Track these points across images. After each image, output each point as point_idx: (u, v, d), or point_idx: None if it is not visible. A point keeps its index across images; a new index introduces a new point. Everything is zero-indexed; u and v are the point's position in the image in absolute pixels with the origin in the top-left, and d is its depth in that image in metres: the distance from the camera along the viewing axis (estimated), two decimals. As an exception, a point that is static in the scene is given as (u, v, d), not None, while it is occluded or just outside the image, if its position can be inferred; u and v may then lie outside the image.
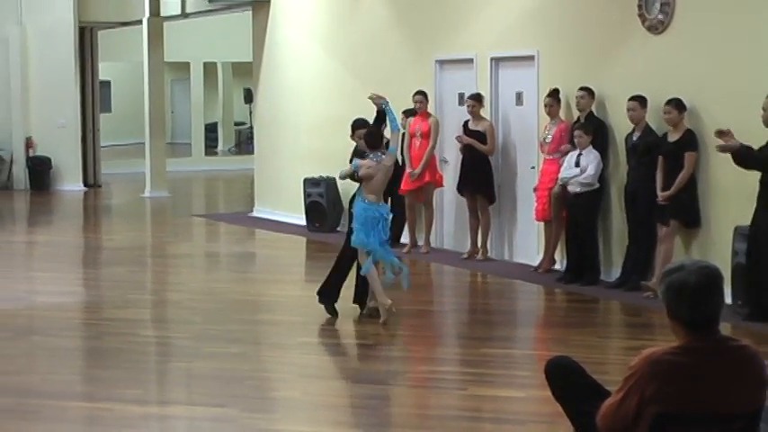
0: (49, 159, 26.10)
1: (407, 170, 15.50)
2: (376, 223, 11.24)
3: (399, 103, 15.77)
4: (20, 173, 26.18)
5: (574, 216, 13.07)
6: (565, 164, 13.12)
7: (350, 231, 11.47)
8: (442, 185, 15.66)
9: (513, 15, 14.56)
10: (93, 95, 27.78)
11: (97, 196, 25.95)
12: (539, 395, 7.58)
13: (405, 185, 15.54)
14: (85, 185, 26.71)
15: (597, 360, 9.09)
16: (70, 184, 26.15)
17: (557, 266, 13.64)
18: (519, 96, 14.60)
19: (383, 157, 11.25)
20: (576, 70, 13.51)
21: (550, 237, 13.64)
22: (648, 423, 4.94)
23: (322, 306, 11.56)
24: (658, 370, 4.90)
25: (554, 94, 13.55)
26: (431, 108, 15.66)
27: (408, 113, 15.70)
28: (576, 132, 12.99)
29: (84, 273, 15.62)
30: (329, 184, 17.70)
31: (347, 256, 11.62)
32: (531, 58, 14.19)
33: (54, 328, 11.16)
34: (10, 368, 9.48)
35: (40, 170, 26.06)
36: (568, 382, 5.50)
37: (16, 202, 24.54)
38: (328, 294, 11.57)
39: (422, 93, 15.49)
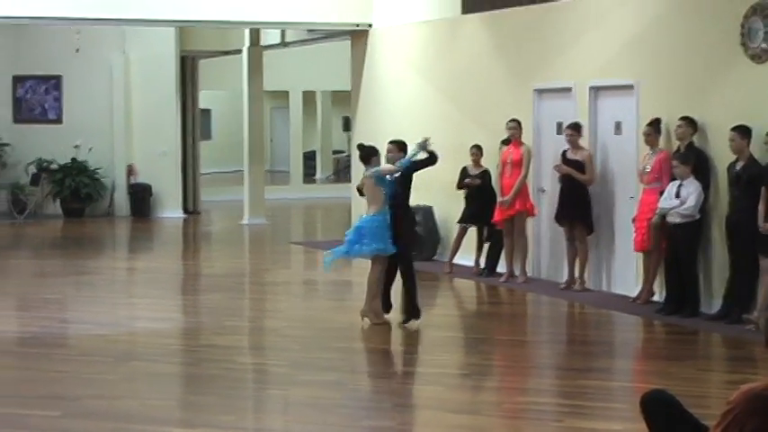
0: (149, 186, 26.43)
1: (499, 199, 15.49)
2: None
3: (498, 133, 15.78)
4: (121, 199, 26.54)
5: (673, 247, 12.92)
6: (665, 194, 12.99)
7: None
8: (533, 215, 15.59)
9: (612, 44, 14.48)
10: (194, 123, 28.10)
11: (196, 223, 26.22)
12: (636, 428, 7.47)
13: (497, 215, 15.53)
14: (185, 212, 27.00)
15: (697, 393, 8.97)
16: (170, 210, 26.44)
17: (656, 298, 13.49)
18: (618, 126, 14.50)
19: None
20: (676, 100, 13.38)
21: (649, 267, 13.50)
22: (748, 459, 4.87)
23: (419, 334, 11.56)
24: (758, 406, 4.83)
25: (654, 123, 13.43)
26: (528, 137, 15.61)
27: (504, 142, 15.68)
28: (674, 163, 12.85)
29: (183, 299, 15.79)
30: (426, 212, 17.71)
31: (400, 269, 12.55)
32: (630, 87, 14.09)
33: (153, 354, 11.29)
34: (110, 393, 9.60)
35: (141, 197, 26.40)
36: (665, 416, 5.43)
37: (117, 229, 24.89)
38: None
39: (516, 120, 15.46)
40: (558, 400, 9.58)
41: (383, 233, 12.30)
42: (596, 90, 14.81)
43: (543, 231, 15.79)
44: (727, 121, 12.43)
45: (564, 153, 14.74)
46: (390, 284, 12.69)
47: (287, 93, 34.69)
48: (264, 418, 9.30)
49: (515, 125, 15.46)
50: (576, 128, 14.64)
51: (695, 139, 13.01)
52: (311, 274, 18.69)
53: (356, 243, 12.38)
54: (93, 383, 9.95)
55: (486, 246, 16.33)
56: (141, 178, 26.50)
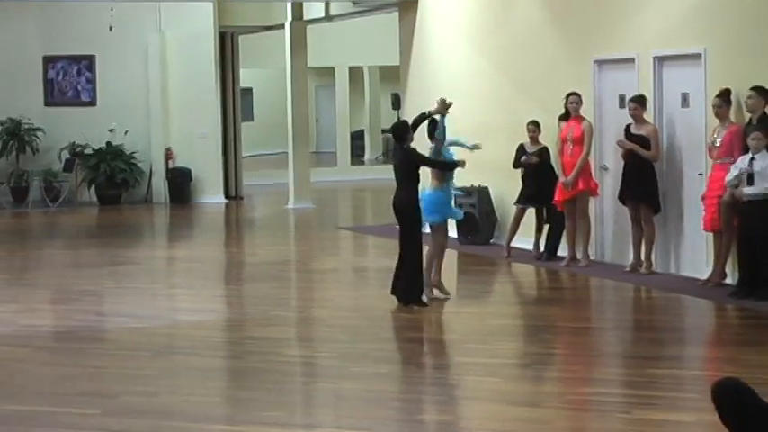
0: (189, 171, 26.56)
1: (560, 179, 15.43)
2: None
3: (556, 108, 15.72)
4: (159, 185, 26.69)
5: (746, 225, 12.82)
6: (734, 169, 12.88)
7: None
8: (597, 194, 15.53)
9: (677, 10, 14.38)
10: (235, 104, 28.20)
11: (239, 209, 26.34)
12: (709, 419, 7.43)
13: (558, 195, 15.47)
14: (227, 198, 27.12)
15: (773, 382, 8.91)
16: (211, 196, 26.57)
17: (728, 280, 13.41)
18: (685, 98, 14.40)
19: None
20: (747, 69, 13.27)
21: (721, 248, 13.41)
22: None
23: (476, 323, 11.57)
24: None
25: (724, 95, 13.32)
26: (588, 111, 15.55)
27: (562, 118, 15.62)
28: (754, 135, 12.69)
29: (226, 289, 15.86)
30: (482, 193, 17.69)
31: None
32: (697, 56, 13.98)
33: (195, 347, 11.35)
34: (149, 389, 9.66)
35: (180, 182, 26.54)
36: (738, 406, 5.39)
37: (156, 216, 25.04)
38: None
39: (576, 94, 15.39)
40: (624, 391, 9.54)
41: None
42: (661, 60, 14.71)
43: (607, 212, 15.72)
44: (802, 91, 12.32)
45: (627, 128, 14.65)
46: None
47: (332, 69, 34.76)
48: (314, 413, 9.32)
49: (576, 99, 15.39)
50: (639, 101, 14.55)
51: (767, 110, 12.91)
52: (360, 260, 18.72)
53: None
54: (133, 379, 10.01)
55: (546, 228, 16.29)
56: (180, 162, 26.65)
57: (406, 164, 12.96)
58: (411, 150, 13.02)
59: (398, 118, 22.06)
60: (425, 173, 13.21)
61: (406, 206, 12.99)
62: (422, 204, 13.09)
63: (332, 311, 13.35)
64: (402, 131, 13.13)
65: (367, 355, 10.80)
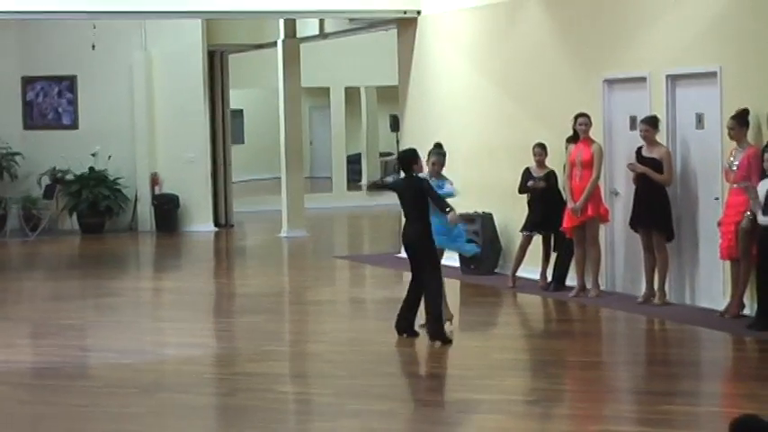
0: (176, 197, 26.54)
1: (569, 205, 15.45)
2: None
3: (563, 130, 15.76)
4: (145, 212, 26.66)
5: (765, 253, 12.85)
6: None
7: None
8: (607, 221, 15.54)
9: (691, 27, 14.43)
10: (224, 126, 28.20)
11: (229, 237, 26.33)
12: (726, 458, 7.47)
13: (567, 222, 15.49)
14: (216, 225, 27.09)
15: (794, 418, 8.92)
16: (200, 224, 26.54)
17: (746, 311, 13.43)
18: (699, 119, 14.45)
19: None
20: (765, 88, 13.31)
21: (738, 277, 13.43)
22: None
23: (479, 357, 11.60)
24: None
25: (740, 116, 13.35)
26: (598, 133, 15.58)
27: (570, 140, 15.65)
28: (766, 156, 12.77)
29: (216, 322, 15.86)
30: (486, 219, 17.71)
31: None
32: (712, 74, 14.03)
33: (183, 384, 11.36)
34: (136, 428, 9.67)
35: (167, 209, 26.51)
36: (758, 445, 5.42)
37: (142, 245, 25.04)
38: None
39: (585, 115, 15.42)
40: (637, 428, 9.55)
41: None
42: (674, 79, 14.76)
43: (617, 239, 15.74)
44: (823, 111, 12.37)
45: (639, 151, 14.69)
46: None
47: (327, 90, 34.77)
48: (309, 453, 9.35)
49: (586, 120, 15.42)
50: (651, 122, 14.59)
51: (787, 131, 12.97)
52: (358, 291, 18.73)
53: None
54: (118, 418, 10.03)
55: (553, 256, 16.30)
56: (167, 188, 26.64)
57: (413, 192, 12.85)
58: (421, 180, 12.94)
59: (397, 140, 22.16)
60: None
61: (423, 238, 12.84)
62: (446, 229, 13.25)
63: (328, 345, 13.35)
64: (410, 159, 13.04)
65: (365, 392, 10.81)
